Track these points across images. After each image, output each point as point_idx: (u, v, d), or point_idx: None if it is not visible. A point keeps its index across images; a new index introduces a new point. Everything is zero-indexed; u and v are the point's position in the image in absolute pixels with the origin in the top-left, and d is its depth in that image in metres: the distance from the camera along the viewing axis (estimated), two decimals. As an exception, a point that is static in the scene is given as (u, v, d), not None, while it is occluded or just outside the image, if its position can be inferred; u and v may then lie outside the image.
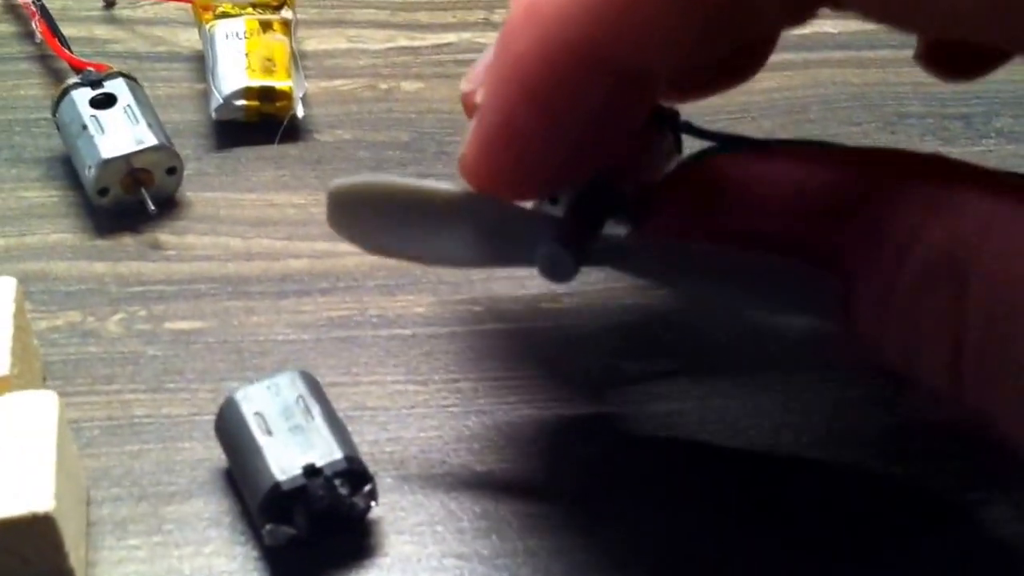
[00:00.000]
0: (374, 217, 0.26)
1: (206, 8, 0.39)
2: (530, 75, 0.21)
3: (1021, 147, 0.37)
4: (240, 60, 0.37)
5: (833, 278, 0.22)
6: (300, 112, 0.37)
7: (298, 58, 0.38)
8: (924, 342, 0.20)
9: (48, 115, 0.36)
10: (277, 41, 0.38)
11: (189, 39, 0.40)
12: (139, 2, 0.42)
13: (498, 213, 0.24)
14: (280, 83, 0.37)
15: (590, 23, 0.20)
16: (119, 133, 0.34)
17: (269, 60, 0.37)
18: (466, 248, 0.26)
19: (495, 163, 0.22)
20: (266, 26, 0.38)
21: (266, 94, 0.37)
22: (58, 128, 0.35)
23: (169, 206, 0.35)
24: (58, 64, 0.39)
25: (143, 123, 0.34)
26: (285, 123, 0.37)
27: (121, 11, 0.42)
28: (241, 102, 0.37)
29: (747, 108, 0.38)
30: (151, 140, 0.34)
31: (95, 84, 0.35)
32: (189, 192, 0.35)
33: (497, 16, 0.42)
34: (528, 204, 0.25)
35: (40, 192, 0.35)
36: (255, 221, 0.35)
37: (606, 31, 0.20)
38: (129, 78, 0.36)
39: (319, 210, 0.33)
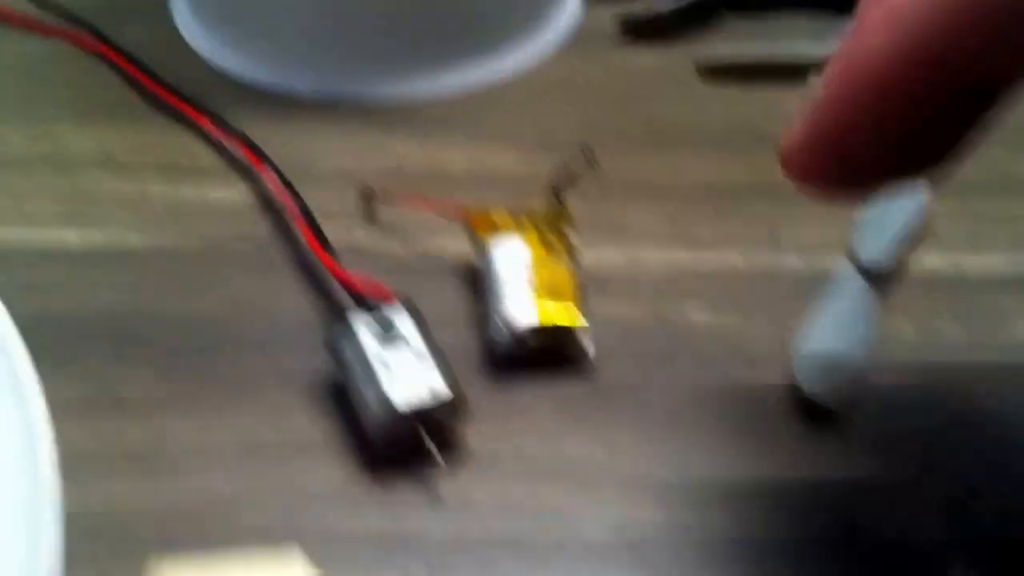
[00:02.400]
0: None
1: (481, 219, 0.36)
2: (884, 76, 0.20)
3: None
4: (525, 289, 0.35)
5: None
6: (592, 350, 0.34)
7: (586, 288, 0.35)
8: None
9: (314, 329, 0.34)
10: (562, 267, 0.35)
11: (457, 249, 0.37)
12: (395, 205, 0.38)
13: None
14: (570, 319, 0.34)
15: (956, 35, 0.19)
16: (407, 377, 0.31)
17: (556, 291, 0.35)
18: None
19: (821, 156, 0.22)
20: (549, 246, 0.35)
21: (555, 330, 0.34)
22: (334, 358, 0.32)
23: (450, 451, 0.32)
24: (323, 272, 0.36)
25: (432, 365, 0.31)
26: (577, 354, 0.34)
27: (382, 212, 0.39)
28: (528, 339, 0.34)
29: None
30: (442, 388, 0.31)
31: (377, 314, 0.32)
32: (470, 434, 0.32)
33: (786, 232, 0.38)
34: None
35: (310, 425, 0.33)
36: (543, 473, 0.32)
37: (975, 45, 0.19)
38: (412, 307, 0.32)
39: (609, 460, 0.32)
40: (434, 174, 0.41)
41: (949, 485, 0.31)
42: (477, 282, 0.36)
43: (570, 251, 0.36)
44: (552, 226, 0.36)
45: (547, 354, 0.34)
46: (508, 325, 0.34)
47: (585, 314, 0.35)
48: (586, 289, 0.36)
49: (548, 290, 0.35)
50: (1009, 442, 0.32)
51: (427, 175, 0.41)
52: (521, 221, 0.36)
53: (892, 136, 0.21)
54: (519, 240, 0.36)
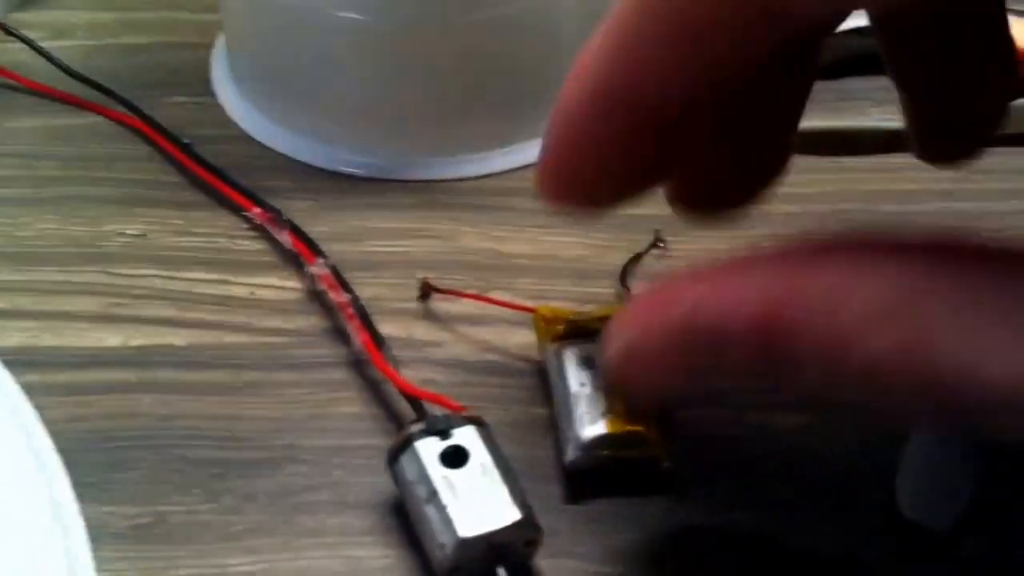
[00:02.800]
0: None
1: (551, 320, 0.33)
2: (574, 113, 0.24)
3: None
4: (596, 395, 0.32)
5: None
6: (667, 460, 0.31)
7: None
8: None
9: (372, 441, 0.32)
10: None
11: (521, 345, 0.35)
12: (454, 298, 0.36)
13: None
14: (645, 427, 0.32)
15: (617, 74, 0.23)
16: (476, 502, 0.29)
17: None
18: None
19: (552, 180, 0.26)
20: None
21: (630, 440, 0.32)
22: (395, 480, 0.30)
23: None
24: (377, 374, 0.33)
25: (502, 488, 0.29)
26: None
27: (439, 304, 0.36)
28: (601, 451, 0.32)
29: None
30: (514, 514, 0.29)
31: (443, 434, 0.29)
32: (542, 559, 0.29)
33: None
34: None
35: (371, 551, 0.30)
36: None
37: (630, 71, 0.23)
38: (479, 423, 0.30)
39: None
40: (495, 261, 0.39)
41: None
42: (546, 384, 0.34)
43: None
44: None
45: (623, 466, 0.32)
46: (578, 436, 0.32)
47: (664, 420, 0.32)
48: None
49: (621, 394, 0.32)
50: None
51: (488, 262, 0.39)
52: (591, 317, 0.34)
53: (594, 161, 0.25)
54: (594, 347, 0.33)
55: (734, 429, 0.33)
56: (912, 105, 0.31)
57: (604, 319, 0.33)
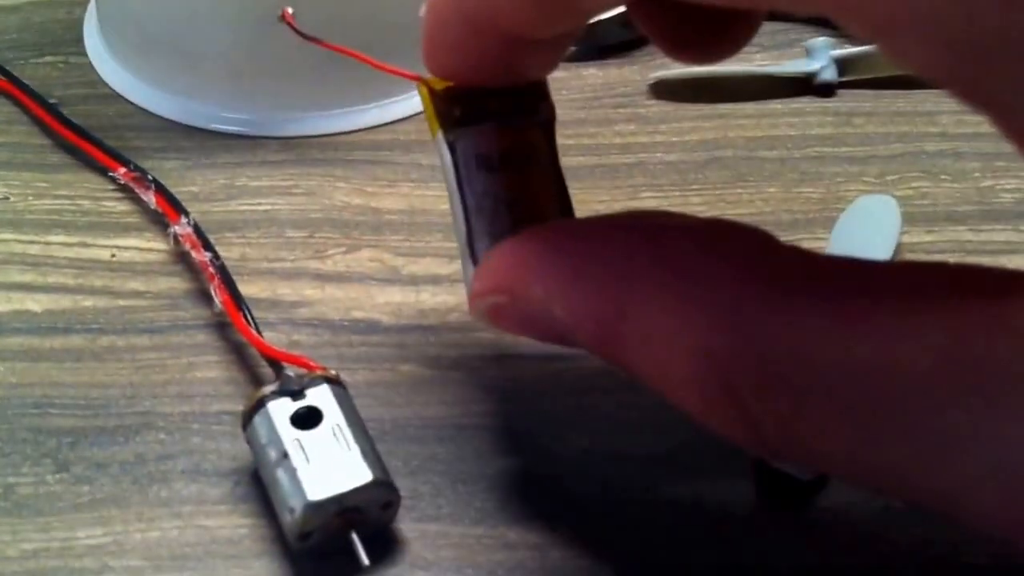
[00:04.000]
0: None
1: (445, 97, 0.28)
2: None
3: None
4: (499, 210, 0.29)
5: None
6: None
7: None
8: None
9: (231, 407, 0.31)
10: None
11: (388, 303, 0.34)
12: (327, 252, 0.35)
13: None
14: None
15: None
16: (327, 464, 0.28)
17: None
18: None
19: (434, 60, 0.28)
20: None
21: None
22: (249, 443, 0.29)
23: (381, 544, 0.28)
24: (239, 336, 0.32)
25: (355, 449, 0.28)
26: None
27: (308, 263, 0.35)
28: None
29: None
30: (366, 475, 0.28)
31: (296, 395, 0.28)
32: (404, 524, 0.28)
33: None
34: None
35: (225, 520, 0.29)
36: (487, 566, 0.29)
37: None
38: (335, 383, 0.29)
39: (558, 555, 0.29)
40: (365, 217, 0.38)
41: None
42: (413, 343, 0.34)
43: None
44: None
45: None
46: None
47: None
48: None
49: None
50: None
51: (358, 218, 0.38)
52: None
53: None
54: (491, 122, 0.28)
55: (603, 380, 0.32)
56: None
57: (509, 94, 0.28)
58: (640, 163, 0.39)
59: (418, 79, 0.29)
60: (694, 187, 0.38)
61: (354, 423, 0.29)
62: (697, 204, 0.37)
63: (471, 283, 0.27)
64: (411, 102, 0.40)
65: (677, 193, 0.38)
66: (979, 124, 0.37)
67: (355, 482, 0.28)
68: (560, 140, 0.37)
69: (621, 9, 0.41)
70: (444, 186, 0.31)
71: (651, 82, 0.41)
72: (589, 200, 0.37)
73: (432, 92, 0.28)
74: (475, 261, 0.27)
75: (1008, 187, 0.37)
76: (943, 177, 0.37)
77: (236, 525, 0.29)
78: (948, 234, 0.36)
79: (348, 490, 0.28)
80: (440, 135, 0.28)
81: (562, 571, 0.29)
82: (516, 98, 0.28)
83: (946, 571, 0.28)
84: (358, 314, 0.34)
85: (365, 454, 0.28)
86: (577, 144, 0.39)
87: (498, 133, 0.27)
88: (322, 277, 0.35)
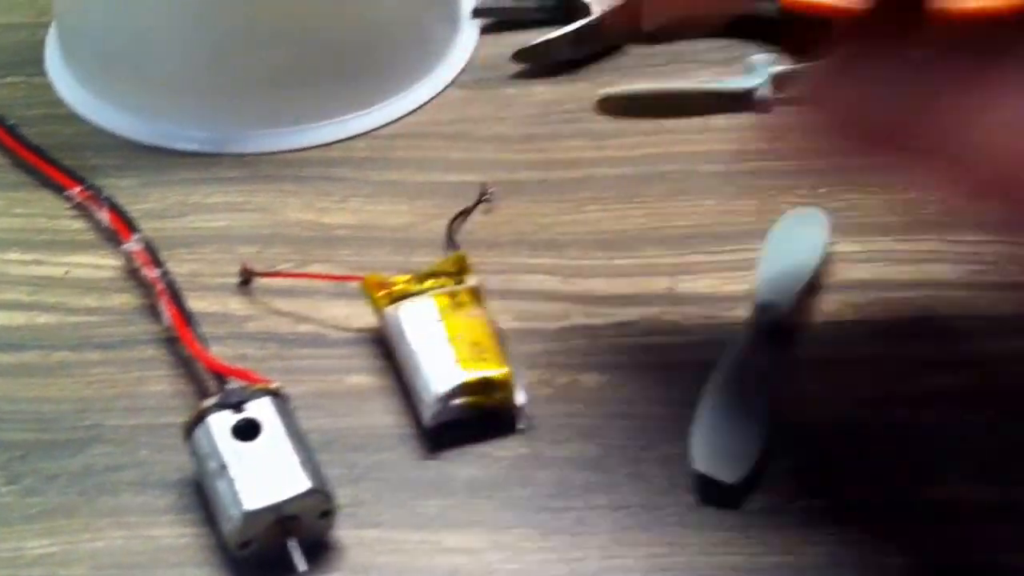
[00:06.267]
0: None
1: (378, 283, 0.34)
2: None
3: None
4: (445, 348, 0.32)
5: None
6: (522, 398, 0.33)
7: (504, 334, 0.34)
8: None
9: (179, 419, 0.32)
10: (475, 318, 0.33)
11: (336, 317, 0.35)
12: (277, 267, 0.36)
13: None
14: (496, 370, 0.32)
15: None
16: (265, 474, 0.29)
17: (475, 344, 0.33)
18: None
19: None
20: (458, 302, 0.34)
21: (484, 386, 0.32)
22: (193, 455, 0.30)
23: (319, 551, 0.29)
24: (188, 352, 0.33)
25: (293, 459, 0.29)
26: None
27: (258, 278, 0.36)
28: (458, 400, 0.32)
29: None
30: (303, 483, 0.29)
31: (236, 407, 0.30)
32: (344, 532, 0.29)
33: (684, 286, 0.35)
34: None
35: (170, 530, 0.30)
36: (424, 571, 0.30)
37: None
38: (276, 395, 0.30)
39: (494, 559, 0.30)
40: (316, 232, 0.39)
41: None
42: (388, 350, 0.34)
43: (478, 299, 0.34)
44: (454, 277, 0.34)
45: (478, 411, 0.33)
46: (431, 391, 0.32)
47: (508, 362, 0.33)
48: (504, 336, 0.34)
49: (468, 345, 0.33)
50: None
51: (308, 234, 0.39)
52: (421, 278, 0.34)
53: None
54: (429, 303, 0.34)
55: (542, 389, 0.34)
56: None
57: (433, 276, 0.34)
58: (587, 178, 0.40)
59: (361, 279, 0.34)
60: (636, 201, 0.39)
61: (293, 434, 0.30)
62: (638, 217, 0.38)
63: None
64: (362, 120, 0.42)
65: (619, 207, 0.39)
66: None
67: (292, 491, 0.29)
68: (510, 156, 0.38)
69: (568, 28, 0.43)
70: (392, 201, 0.36)
71: (599, 99, 0.42)
72: (534, 213, 0.38)
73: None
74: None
75: (931, 199, 0.38)
76: (871, 189, 0.38)
77: (180, 535, 0.30)
78: (876, 244, 0.37)
79: (284, 499, 0.29)
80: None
81: (499, 574, 0.30)
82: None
83: (863, 567, 0.29)
84: (305, 328, 0.35)
85: (303, 464, 0.29)
86: (526, 159, 0.40)
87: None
88: (271, 291, 0.36)
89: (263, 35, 0.40)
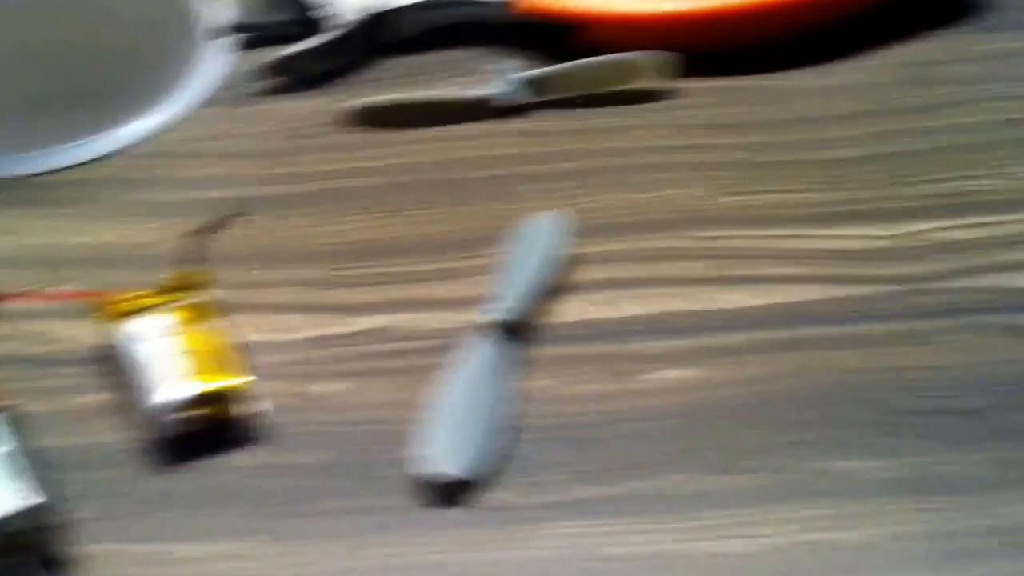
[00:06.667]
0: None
1: (109, 303, 0.34)
2: None
3: None
4: (175, 362, 0.33)
5: None
6: (262, 408, 0.33)
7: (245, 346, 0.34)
8: None
9: None
10: (210, 331, 0.34)
11: (70, 338, 0.35)
12: (18, 290, 0.35)
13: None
14: (230, 381, 0.33)
15: None
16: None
17: (210, 356, 0.33)
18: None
19: None
20: (192, 317, 0.34)
21: (217, 397, 0.33)
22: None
23: (56, 566, 0.30)
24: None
25: (17, 477, 0.29)
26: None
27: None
28: (191, 412, 0.33)
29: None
30: (25, 500, 0.29)
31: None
32: (78, 547, 0.30)
33: (429, 292, 0.36)
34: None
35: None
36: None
37: None
38: (9, 411, 0.30)
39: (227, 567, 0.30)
40: (56, 254, 0.38)
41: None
42: (118, 367, 0.34)
43: (214, 313, 0.34)
44: (189, 292, 0.34)
45: (217, 423, 0.33)
46: (157, 402, 0.32)
47: (248, 372, 0.33)
48: (248, 348, 0.34)
49: (203, 356, 0.33)
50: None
51: (49, 255, 0.38)
52: (154, 294, 0.35)
53: None
54: (156, 315, 0.34)
55: (284, 399, 0.34)
56: None
57: (167, 292, 0.34)
58: (339, 189, 0.40)
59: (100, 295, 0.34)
60: (387, 210, 0.39)
61: (20, 451, 0.29)
62: (388, 227, 0.39)
63: None
64: (108, 141, 0.41)
65: (370, 217, 0.39)
66: (657, 140, 0.41)
67: (13, 507, 0.28)
68: (264, 170, 0.39)
69: (325, 38, 0.43)
70: (142, 220, 0.36)
71: (351, 110, 0.42)
72: (296, 226, 0.39)
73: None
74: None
75: (664, 196, 0.39)
76: (618, 190, 0.39)
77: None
78: (615, 244, 0.38)
79: (5, 515, 0.28)
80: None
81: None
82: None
83: (593, 559, 0.30)
84: (40, 348, 0.35)
85: (27, 480, 0.29)
86: (279, 173, 0.41)
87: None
88: (5, 315, 0.36)
89: (3, 60, 0.39)
